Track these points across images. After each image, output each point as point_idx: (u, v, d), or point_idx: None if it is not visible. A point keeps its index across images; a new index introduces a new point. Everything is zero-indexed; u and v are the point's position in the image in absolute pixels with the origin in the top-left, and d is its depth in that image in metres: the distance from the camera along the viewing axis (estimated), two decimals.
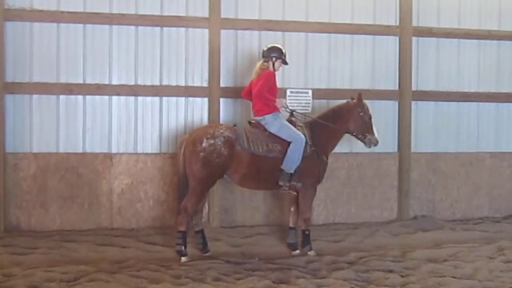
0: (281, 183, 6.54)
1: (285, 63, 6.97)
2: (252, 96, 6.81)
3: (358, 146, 7.57)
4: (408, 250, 6.79)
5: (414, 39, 8.56)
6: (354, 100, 7.08)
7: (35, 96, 7.57)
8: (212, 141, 6.38)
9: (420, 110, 8.70)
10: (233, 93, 7.95)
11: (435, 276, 5.73)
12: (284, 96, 7.90)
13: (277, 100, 6.67)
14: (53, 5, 7.55)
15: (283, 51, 6.90)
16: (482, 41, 8.88)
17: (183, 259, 6.38)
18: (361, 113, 7.00)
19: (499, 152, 9.01)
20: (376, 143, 7.08)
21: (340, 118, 7.02)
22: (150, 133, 7.88)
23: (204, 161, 6.35)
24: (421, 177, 8.67)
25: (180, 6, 7.88)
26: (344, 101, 7.25)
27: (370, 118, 7.08)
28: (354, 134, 7.07)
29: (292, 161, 6.54)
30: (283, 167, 6.53)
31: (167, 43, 7.88)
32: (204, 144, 6.38)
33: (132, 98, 7.81)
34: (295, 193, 6.87)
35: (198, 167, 6.36)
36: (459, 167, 8.83)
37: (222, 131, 6.50)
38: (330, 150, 7.07)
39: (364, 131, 7.03)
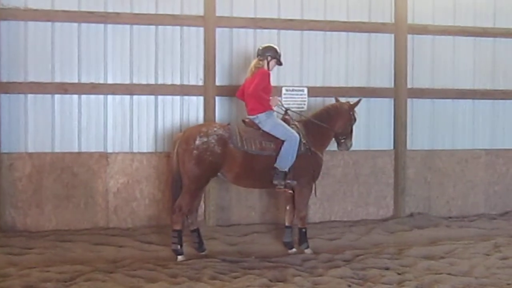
0: (275, 182, 6.52)
1: (279, 63, 6.96)
2: (246, 95, 6.80)
3: (354, 144, 7.52)
4: (404, 248, 6.78)
5: (409, 36, 8.55)
6: (347, 102, 7.25)
7: (30, 96, 7.53)
8: (205, 139, 6.37)
9: (416, 108, 8.71)
10: (229, 91, 7.94)
11: (431, 273, 5.73)
12: (280, 94, 7.92)
13: (271, 98, 6.67)
14: (47, 4, 7.51)
15: (278, 51, 6.91)
16: (477, 38, 8.89)
17: (179, 258, 6.38)
18: (352, 117, 7.23)
19: (494, 149, 9.02)
20: (350, 147, 7.32)
21: (336, 118, 7.11)
22: (145, 132, 7.86)
23: (197, 159, 6.34)
24: (417, 174, 8.68)
25: (175, 4, 7.85)
26: (335, 102, 7.37)
27: (355, 122, 7.29)
28: (339, 134, 7.19)
29: (286, 160, 6.52)
30: (277, 165, 6.52)
31: (162, 41, 7.86)
32: (197, 142, 6.36)
33: (127, 97, 7.79)
34: (291, 191, 6.87)
35: (191, 165, 6.35)
36: (454, 165, 8.84)
37: (215, 129, 6.49)
38: (324, 148, 7.11)
39: (347, 134, 7.23)
